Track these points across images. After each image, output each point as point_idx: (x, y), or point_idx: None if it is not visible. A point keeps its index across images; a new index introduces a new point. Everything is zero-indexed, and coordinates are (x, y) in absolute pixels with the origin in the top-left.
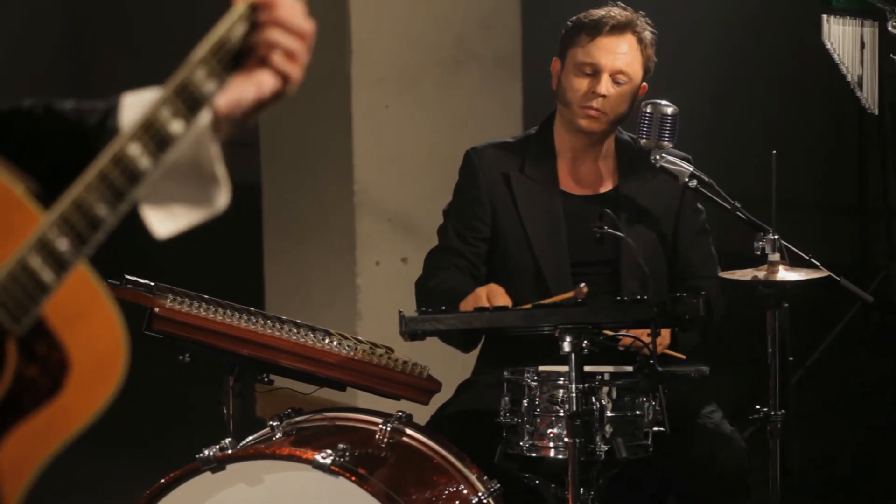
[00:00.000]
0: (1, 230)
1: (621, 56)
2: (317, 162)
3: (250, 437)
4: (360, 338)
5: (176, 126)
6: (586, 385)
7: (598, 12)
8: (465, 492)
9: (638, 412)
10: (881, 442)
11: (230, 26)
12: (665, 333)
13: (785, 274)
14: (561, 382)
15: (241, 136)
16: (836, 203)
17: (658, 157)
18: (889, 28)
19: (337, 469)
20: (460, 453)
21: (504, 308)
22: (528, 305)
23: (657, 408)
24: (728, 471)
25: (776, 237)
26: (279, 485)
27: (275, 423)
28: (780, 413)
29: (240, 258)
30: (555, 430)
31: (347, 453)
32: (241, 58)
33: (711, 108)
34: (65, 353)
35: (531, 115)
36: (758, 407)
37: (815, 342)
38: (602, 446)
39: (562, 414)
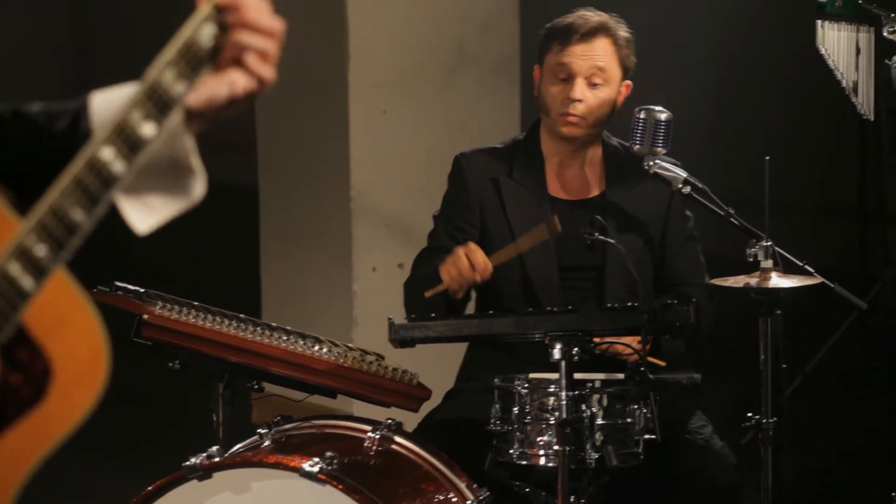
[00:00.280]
0: None
1: (594, 59)
2: (314, 167)
3: (239, 445)
4: (350, 345)
5: (147, 129)
6: (577, 392)
7: (570, 18)
8: (454, 500)
9: (629, 420)
10: (878, 448)
11: (196, 28)
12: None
13: (778, 281)
14: (551, 390)
15: (238, 140)
16: (837, 208)
17: (651, 163)
18: (885, 33)
19: (324, 477)
20: (450, 461)
21: (493, 314)
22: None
23: (648, 415)
24: (719, 487)
25: (769, 243)
26: (266, 493)
27: (263, 431)
28: (772, 421)
29: (237, 262)
30: (545, 438)
31: (335, 461)
32: (211, 57)
33: (710, 113)
34: (47, 360)
35: (529, 120)
36: (749, 415)
37: (810, 349)
38: (592, 454)
39: (552, 421)
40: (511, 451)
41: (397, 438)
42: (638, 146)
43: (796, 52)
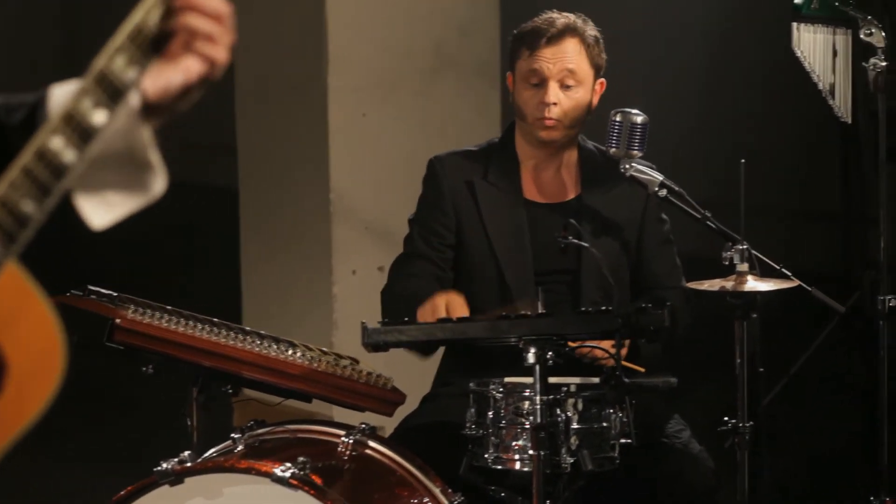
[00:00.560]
0: None
1: (564, 61)
2: (294, 170)
3: (212, 450)
4: (324, 349)
5: (98, 116)
6: (551, 397)
7: (537, 21)
8: None
9: (605, 424)
10: (858, 452)
11: (146, 12)
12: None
13: (754, 284)
14: (526, 394)
15: (218, 143)
16: (817, 211)
17: (627, 166)
18: (861, 36)
19: (296, 482)
20: (424, 466)
21: (467, 319)
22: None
23: (624, 419)
24: (697, 492)
25: (745, 246)
26: (238, 498)
27: (237, 436)
28: (748, 425)
29: (218, 265)
30: (520, 442)
31: (308, 466)
32: (162, 43)
33: (687, 116)
34: (1, 355)
35: (509, 123)
36: (726, 419)
37: (789, 353)
38: (568, 458)
39: (527, 426)
40: (486, 456)
41: (371, 443)
42: (614, 149)
43: (773, 54)
